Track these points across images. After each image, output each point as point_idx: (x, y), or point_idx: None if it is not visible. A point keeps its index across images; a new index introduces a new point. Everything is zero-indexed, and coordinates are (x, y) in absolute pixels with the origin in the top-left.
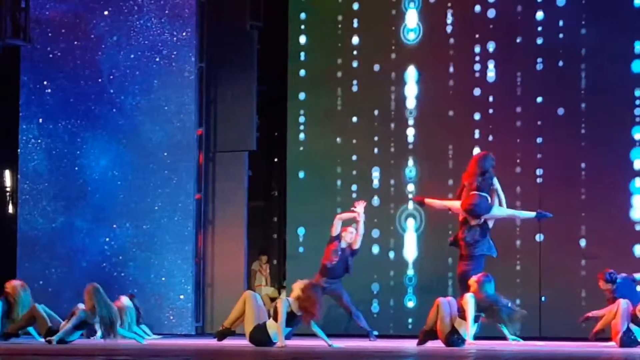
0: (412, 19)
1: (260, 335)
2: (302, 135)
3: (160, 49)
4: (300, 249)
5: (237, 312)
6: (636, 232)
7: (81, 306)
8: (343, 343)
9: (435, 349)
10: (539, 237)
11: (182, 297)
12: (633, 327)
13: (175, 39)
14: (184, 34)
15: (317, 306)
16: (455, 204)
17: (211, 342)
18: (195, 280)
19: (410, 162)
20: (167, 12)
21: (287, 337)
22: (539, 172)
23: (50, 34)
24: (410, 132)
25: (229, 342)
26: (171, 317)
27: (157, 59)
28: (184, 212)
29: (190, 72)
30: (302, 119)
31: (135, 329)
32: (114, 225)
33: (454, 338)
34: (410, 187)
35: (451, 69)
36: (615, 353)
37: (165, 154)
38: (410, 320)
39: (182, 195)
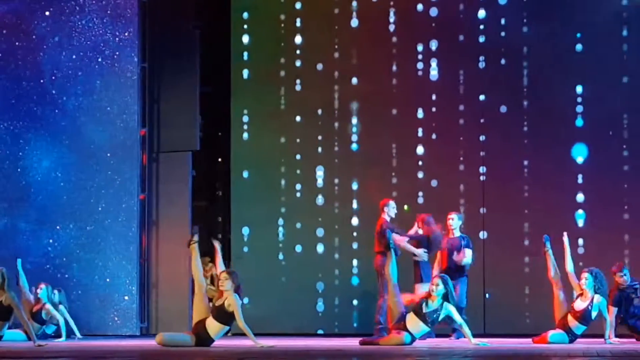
0: (355, 18)
1: (202, 332)
2: (245, 135)
3: (102, 49)
4: (245, 249)
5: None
6: (579, 228)
7: None
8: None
9: (378, 349)
10: (482, 235)
11: (126, 298)
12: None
13: (117, 39)
14: (126, 34)
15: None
16: None
17: (155, 343)
18: (140, 281)
19: (354, 161)
20: (109, 12)
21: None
22: (482, 169)
23: None
24: (354, 131)
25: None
26: (116, 318)
27: (100, 60)
28: (128, 212)
29: (133, 72)
30: (245, 119)
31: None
32: (58, 227)
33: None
34: (355, 186)
35: (394, 68)
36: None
37: (109, 154)
38: (355, 318)
39: (126, 195)
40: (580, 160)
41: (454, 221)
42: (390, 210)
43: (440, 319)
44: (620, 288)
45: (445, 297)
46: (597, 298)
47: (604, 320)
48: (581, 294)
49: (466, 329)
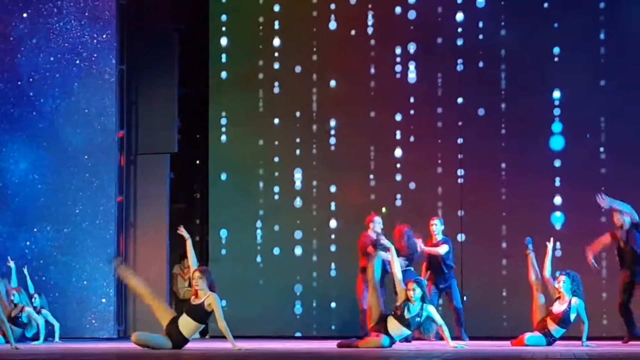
0: (333, 20)
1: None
2: (224, 137)
3: (80, 51)
4: (223, 252)
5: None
6: (557, 231)
7: None
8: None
9: (356, 351)
10: (460, 237)
11: (104, 300)
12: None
13: (95, 41)
14: (104, 36)
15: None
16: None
17: (133, 346)
18: (117, 283)
19: (332, 164)
20: (87, 14)
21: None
22: (460, 172)
23: None
24: (332, 133)
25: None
26: (93, 321)
27: (77, 62)
28: (105, 215)
29: (111, 74)
30: (223, 121)
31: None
32: (35, 229)
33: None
34: (333, 189)
35: (372, 70)
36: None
37: (86, 156)
38: (333, 321)
39: (104, 198)
40: (558, 163)
41: (437, 226)
42: (376, 226)
43: (422, 320)
44: None
45: (423, 299)
46: (575, 300)
47: (582, 324)
48: (559, 297)
49: (446, 331)
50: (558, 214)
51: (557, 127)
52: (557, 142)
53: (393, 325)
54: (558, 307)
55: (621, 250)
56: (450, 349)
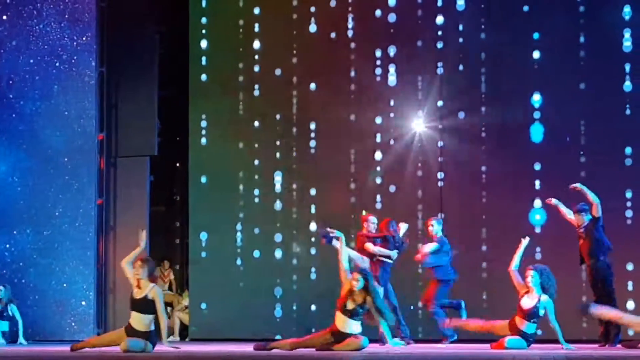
0: (313, 23)
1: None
2: (204, 140)
3: (60, 53)
4: (203, 254)
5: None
6: (536, 234)
7: None
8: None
9: (334, 354)
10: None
11: (83, 303)
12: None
13: (75, 43)
14: (84, 38)
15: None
16: None
17: (113, 349)
18: (97, 286)
19: (313, 166)
20: (67, 16)
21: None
22: (440, 175)
23: None
24: (312, 137)
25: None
26: (73, 324)
27: (57, 64)
28: (85, 217)
29: (91, 76)
30: (203, 124)
31: None
32: (14, 232)
33: None
34: (313, 192)
35: (352, 73)
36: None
37: (66, 159)
38: (313, 323)
39: (83, 200)
40: (538, 166)
41: (434, 227)
42: (370, 226)
43: (365, 311)
44: None
45: (366, 289)
46: (545, 298)
47: (553, 326)
48: (527, 292)
49: (385, 327)
50: (538, 216)
51: (537, 130)
52: (536, 145)
53: (339, 319)
54: (527, 303)
55: (581, 246)
56: (433, 351)
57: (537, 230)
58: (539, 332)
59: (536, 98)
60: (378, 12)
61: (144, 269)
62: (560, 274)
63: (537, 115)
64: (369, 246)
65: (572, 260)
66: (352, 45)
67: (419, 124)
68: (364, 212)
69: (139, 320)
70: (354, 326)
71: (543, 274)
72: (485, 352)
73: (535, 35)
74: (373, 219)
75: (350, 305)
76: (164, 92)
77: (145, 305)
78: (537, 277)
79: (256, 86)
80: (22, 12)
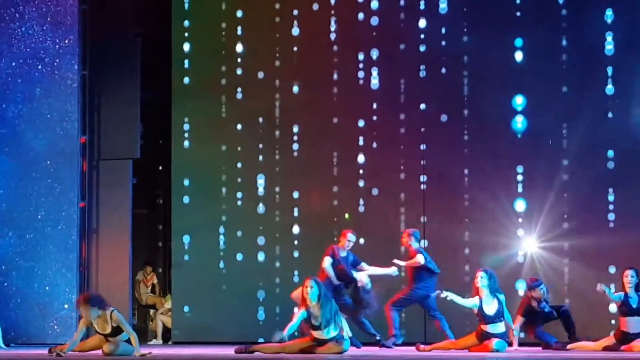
0: (296, 26)
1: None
2: (186, 143)
3: (42, 56)
4: (186, 257)
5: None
6: (519, 237)
7: None
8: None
9: (318, 357)
10: (423, 243)
11: (66, 306)
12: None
13: (57, 46)
14: (66, 41)
15: None
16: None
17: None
18: (80, 289)
19: (295, 169)
20: (49, 19)
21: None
22: (422, 178)
23: None
24: (295, 140)
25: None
26: (55, 327)
27: (40, 67)
28: (67, 220)
29: (73, 79)
30: (186, 127)
31: None
32: None
33: None
34: (296, 195)
35: (335, 76)
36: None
37: (49, 162)
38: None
39: (66, 203)
40: (520, 169)
41: (411, 240)
42: (348, 244)
43: (330, 317)
44: (532, 302)
45: (319, 298)
46: (501, 297)
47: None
48: (478, 295)
49: (346, 326)
50: (520, 220)
51: (519, 133)
52: (519, 148)
53: (314, 332)
54: (489, 309)
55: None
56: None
57: (519, 234)
58: (522, 334)
59: (519, 101)
60: (361, 16)
61: (91, 309)
62: (543, 275)
63: (519, 118)
64: (326, 261)
65: (554, 263)
66: (335, 48)
67: (401, 127)
68: (346, 216)
69: (115, 339)
70: (332, 332)
71: (492, 276)
72: (467, 355)
73: (518, 39)
74: (351, 237)
75: (315, 322)
76: (146, 95)
77: (115, 332)
78: (487, 278)
79: (239, 89)
80: (5, 15)
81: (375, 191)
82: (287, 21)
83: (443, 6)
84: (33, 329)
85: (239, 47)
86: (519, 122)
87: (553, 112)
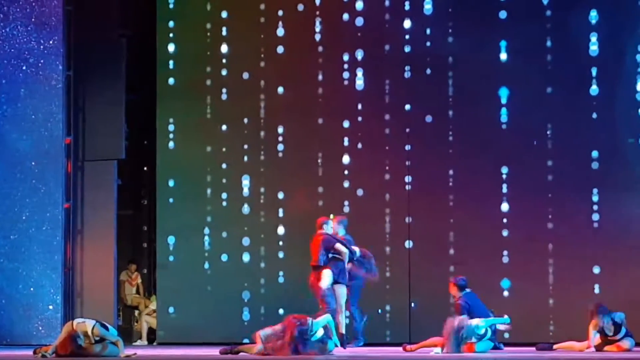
0: (281, 27)
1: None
2: (171, 144)
3: (26, 57)
4: (171, 258)
5: None
6: (504, 237)
7: None
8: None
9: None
10: (408, 244)
11: (51, 307)
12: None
13: (42, 47)
14: (51, 42)
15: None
16: None
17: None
18: (65, 290)
19: (280, 170)
20: (33, 20)
21: None
22: (407, 179)
23: None
24: (280, 140)
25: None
26: (40, 328)
27: (24, 67)
28: (52, 221)
29: (58, 80)
30: (171, 127)
31: None
32: None
33: None
34: (281, 195)
35: (320, 77)
36: None
37: (33, 163)
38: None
39: (51, 204)
40: (505, 170)
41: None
42: (328, 228)
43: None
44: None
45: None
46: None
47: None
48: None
49: (330, 324)
50: (505, 220)
51: (504, 134)
52: (504, 149)
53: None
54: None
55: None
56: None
57: (504, 234)
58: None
59: (503, 102)
60: (346, 16)
61: (76, 341)
62: (523, 277)
63: (504, 119)
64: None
65: (539, 263)
66: (320, 49)
67: (386, 128)
68: (331, 216)
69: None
70: (317, 333)
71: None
72: (452, 356)
73: (502, 40)
74: (330, 222)
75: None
76: (131, 95)
77: (100, 341)
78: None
79: (224, 90)
80: None
81: (360, 192)
82: (272, 22)
83: (428, 7)
84: (18, 330)
85: (224, 48)
86: (504, 123)
87: (538, 112)
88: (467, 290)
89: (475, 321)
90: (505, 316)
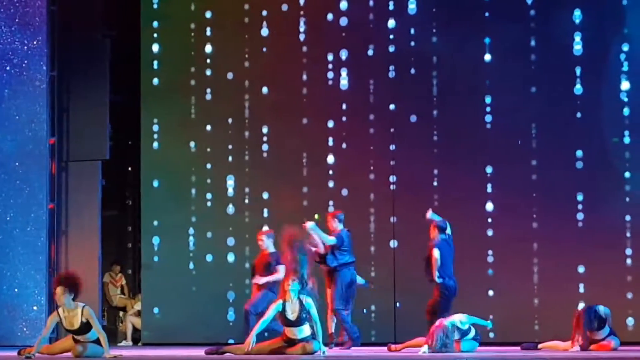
0: (265, 27)
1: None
2: (155, 144)
3: (10, 57)
4: (155, 258)
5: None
6: (488, 237)
7: None
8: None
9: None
10: (393, 244)
11: (35, 308)
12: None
13: (25, 47)
14: (34, 42)
15: None
16: None
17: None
18: (49, 291)
19: (265, 170)
20: (17, 20)
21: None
22: (392, 179)
23: None
24: (264, 140)
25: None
26: (25, 329)
27: (8, 68)
28: (36, 222)
29: (42, 81)
30: (155, 128)
31: None
32: None
33: None
34: (265, 195)
35: (304, 77)
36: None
37: (17, 163)
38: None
39: (35, 205)
40: (490, 169)
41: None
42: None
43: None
44: None
45: (299, 293)
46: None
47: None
48: None
49: (319, 328)
50: (489, 220)
51: (488, 133)
52: (488, 149)
53: (287, 330)
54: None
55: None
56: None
57: (489, 233)
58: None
59: (487, 101)
60: (330, 16)
61: (67, 295)
62: (510, 275)
63: (488, 118)
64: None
65: (523, 263)
66: (304, 49)
67: (371, 128)
68: (316, 216)
69: (84, 337)
70: (304, 331)
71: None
72: (437, 355)
73: (487, 39)
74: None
75: (292, 316)
76: (115, 96)
77: (84, 329)
78: None
79: (208, 90)
80: None
81: (344, 192)
82: (256, 22)
83: (412, 7)
84: (2, 331)
85: (208, 48)
86: (488, 123)
87: (522, 112)
88: (446, 234)
89: (457, 317)
90: (489, 320)
